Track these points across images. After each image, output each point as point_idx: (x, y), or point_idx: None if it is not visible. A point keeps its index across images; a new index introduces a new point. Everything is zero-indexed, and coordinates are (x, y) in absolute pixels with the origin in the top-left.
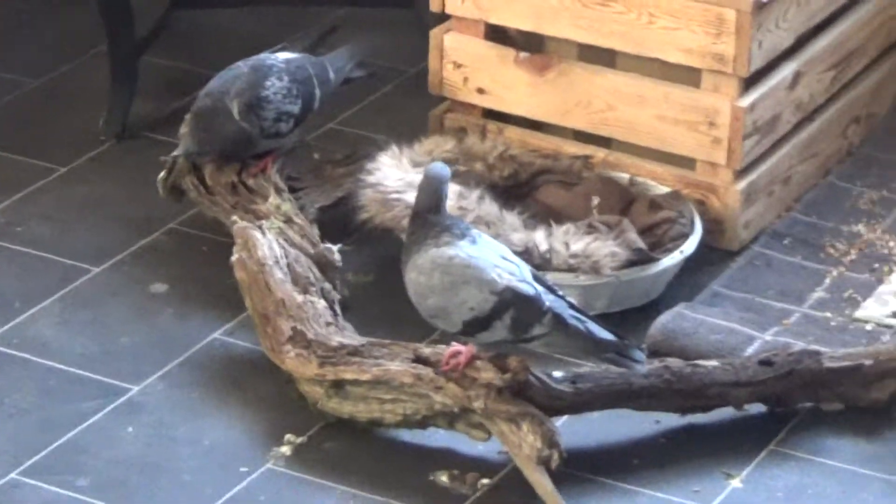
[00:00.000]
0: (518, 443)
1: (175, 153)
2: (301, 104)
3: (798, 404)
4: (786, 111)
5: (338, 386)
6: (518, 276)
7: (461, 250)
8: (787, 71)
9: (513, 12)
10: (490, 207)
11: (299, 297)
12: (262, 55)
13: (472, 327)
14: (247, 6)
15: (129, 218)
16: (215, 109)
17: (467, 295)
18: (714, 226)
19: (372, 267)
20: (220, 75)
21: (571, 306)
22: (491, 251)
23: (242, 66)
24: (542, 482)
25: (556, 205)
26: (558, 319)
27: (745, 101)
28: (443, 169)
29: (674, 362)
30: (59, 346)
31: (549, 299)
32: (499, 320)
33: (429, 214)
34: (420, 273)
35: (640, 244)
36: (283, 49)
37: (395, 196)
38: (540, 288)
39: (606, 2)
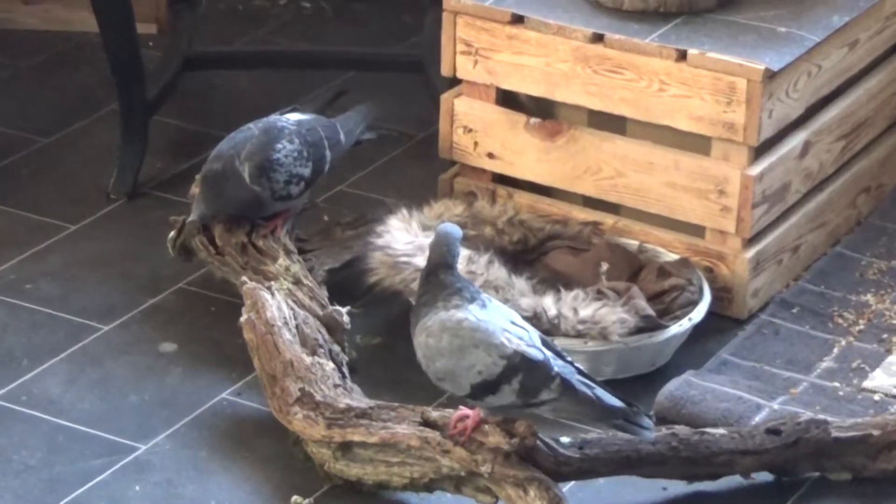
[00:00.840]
0: None
1: (189, 218)
2: (312, 167)
3: (805, 474)
4: (795, 180)
5: (345, 448)
6: (527, 341)
7: (471, 314)
8: (796, 140)
9: (524, 78)
10: (499, 272)
11: (308, 359)
12: (273, 117)
13: (481, 391)
14: (258, 68)
15: (139, 277)
16: (226, 173)
17: (476, 358)
18: (722, 294)
19: (380, 330)
20: (230, 137)
21: (580, 372)
22: (500, 316)
23: (253, 127)
24: None
25: (565, 271)
26: (567, 385)
27: (755, 170)
28: (454, 228)
29: (681, 430)
30: (67, 403)
31: (557, 364)
32: (507, 384)
33: (440, 275)
34: (429, 335)
35: (649, 311)
36: (293, 111)
37: (404, 259)
38: (549, 353)
39: (617, 69)
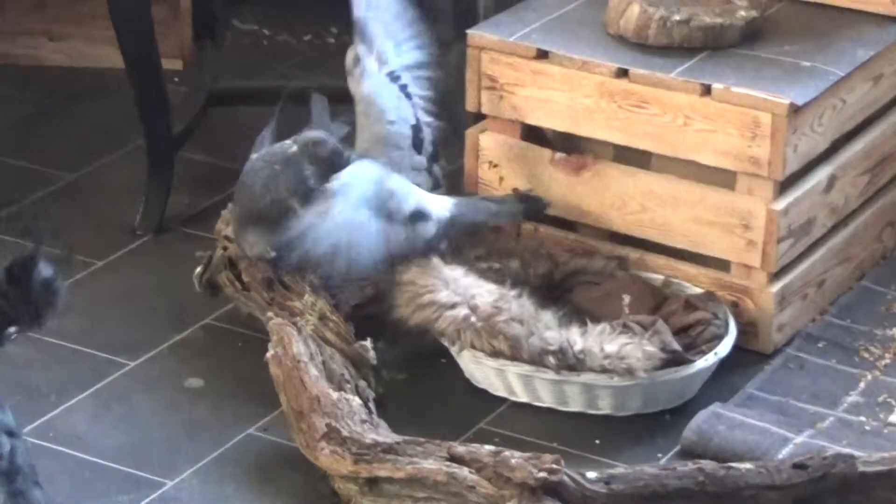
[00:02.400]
0: None
1: (253, 253)
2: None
3: None
4: (820, 215)
5: (372, 483)
6: None
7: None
8: (821, 175)
9: (549, 113)
10: (525, 305)
11: (334, 394)
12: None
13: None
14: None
15: (165, 312)
16: (281, 211)
17: None
18: (748, 328)
19: (406, 365)
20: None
21: None
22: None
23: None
24: None
25: (589, 306)
26: None
27: (780, 205)
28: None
29: (707, 464)
30: (93, 439)
31: None
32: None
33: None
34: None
35: (675, 346)
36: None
37: (428, 296)
38: None
39: (642, 104)
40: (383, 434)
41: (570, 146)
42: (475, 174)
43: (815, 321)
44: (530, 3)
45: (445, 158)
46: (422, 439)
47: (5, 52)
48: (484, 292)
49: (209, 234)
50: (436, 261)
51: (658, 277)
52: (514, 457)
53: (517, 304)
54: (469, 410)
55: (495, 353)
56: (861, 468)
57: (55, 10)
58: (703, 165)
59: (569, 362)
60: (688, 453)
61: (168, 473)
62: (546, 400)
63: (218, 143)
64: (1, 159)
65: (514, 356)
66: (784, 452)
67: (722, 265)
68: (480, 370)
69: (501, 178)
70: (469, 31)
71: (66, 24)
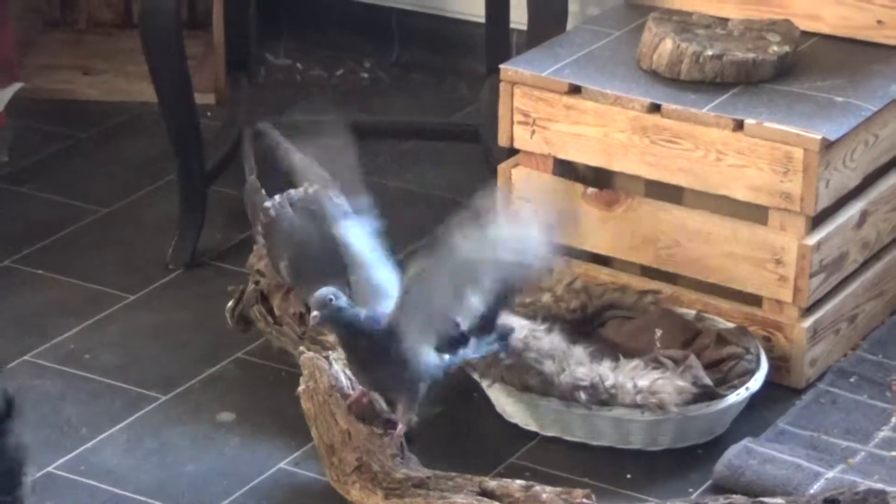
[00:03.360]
0: None
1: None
2: None
3: None
4: (852, 250)
5: None
6: None
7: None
8: (854, 210)
9: (581, 148)
10: (557, 340)
11: (365, 429)
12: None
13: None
14: (315, 138)
15: (197, 346)
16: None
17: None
18: (780, 363)
19: (438, 399)
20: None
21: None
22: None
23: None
24: None
25: (620, 339)
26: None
27: (812, 240)
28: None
29: (738, 499)
30: (125, 473)
31: None
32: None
33: (356, 326)
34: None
35: (707, 380)
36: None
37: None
38: None
39: (674, 139)
40: (414, 468)
41: (602, 181)
42: None
43: (847, 356)
44: (563, 39)
45: None
46: (453, 474)
47: (41, 86)
48: (516, 328)
49: (241, 268)
50: None
51: (690, 312)
52: (546, 491)
53: (548, 340)
54: (500, 445)
55: (526, 389)
56: (893, 503)
57: (90, 45)
58: (736, 200)
59: (600, 397)
60: (719, 488)
61: None
62: (577, 434)
63: None
64: (35, 193)
65: (545, 391)
66: (815, 487)
67: (754, 300)
68: (511, 404)
69: None
70: (502, 66)
71: (100, 59)
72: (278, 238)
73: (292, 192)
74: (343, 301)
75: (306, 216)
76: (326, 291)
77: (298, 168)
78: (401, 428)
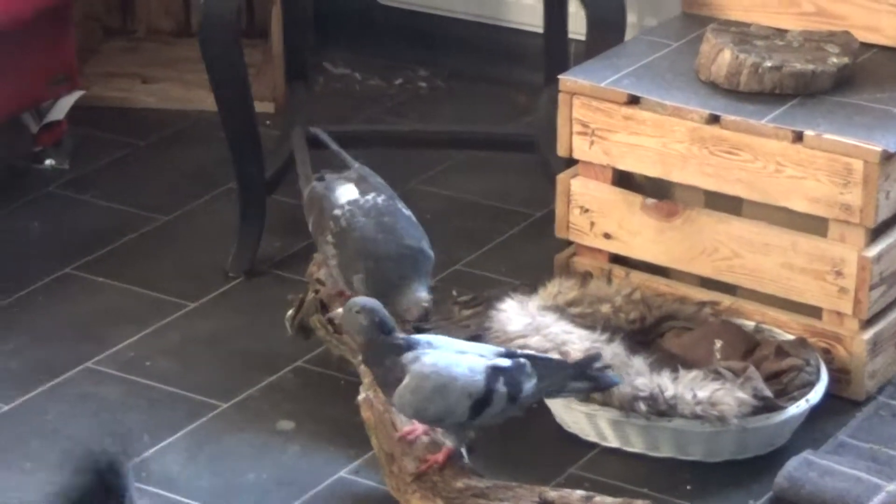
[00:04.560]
0: None
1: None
2: None
3: None
4: None
5: None
6: (486, 354)
7: (432, 356)
8: None
9: (640, 159)
10: (618, 350)
11: (425, 438)
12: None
13: (477, 409)
14: (373, 147)
15: (256, 355)
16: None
17: (460, 387)
18: (840, 375)
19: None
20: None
21: (528, 357)
22: (452, 346)
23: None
24: None
25: (679, 350)
26: (534, 360)
27: (872, 252)
28: (371, 300)
29: None
30: (185, 480)
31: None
32: (495, 392)
33: (386, 342)
34: (413, 393)
35: (767, 392)
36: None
37: (519, 340)
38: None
39: (733, 150)
40: (474, 478)
41: (661, 192)
42: (566, 219)
43: None
44: (621, 49)
45: None
46: (512, 484)
47: (99, 94)
48: (575, 338)
49: (301, 276)
50: (529, 306)
51: (749, 323)
52: (605, 502)
53: (608, 351)
54: (559, 455)
55: (586, 399)
56: None
57: (148, 53)
58: (795, 212)
59: (660, 408)
60: (779, 500)
61: None
62: (637, 445)
63: None
64: (94, 201)
65: (605, 402)
66: (875, 500)
67: (814, 312)
68: (571, 415)
69: (592, 224)
70: (561, 76)
71: (158, 66)
72: (352, 249)
73: (360, 199)
74: (384, 317)
75: (379, 227)
76: (374, 304)
77: (357, 176)
78: (441, 453)
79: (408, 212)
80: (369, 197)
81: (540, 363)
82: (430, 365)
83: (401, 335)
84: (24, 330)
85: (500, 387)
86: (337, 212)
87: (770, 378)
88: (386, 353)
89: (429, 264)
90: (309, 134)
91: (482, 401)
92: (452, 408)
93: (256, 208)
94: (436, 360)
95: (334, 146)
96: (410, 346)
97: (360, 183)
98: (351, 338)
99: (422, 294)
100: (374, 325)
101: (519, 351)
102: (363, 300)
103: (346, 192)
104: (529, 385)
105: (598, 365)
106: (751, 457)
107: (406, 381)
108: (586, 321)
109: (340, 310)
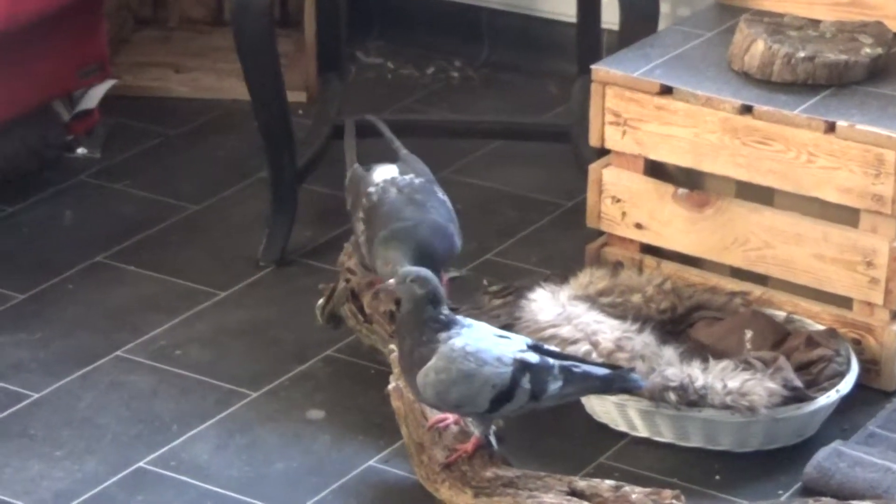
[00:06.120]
0: None
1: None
2: None
3: None
4: None
5: None
6: (519, 346)
7: (466, 338)
8: None
9: (672, 149)
10: (648, 340)
11: (455, 427)
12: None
13: (498, 403)
14: (406, 137)
15: (287, 344)
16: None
17: (486, 376)
18: (870, 365)
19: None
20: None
21: (564, 356)
22: (487, 332)
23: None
24: None
25: (710, 340)
26: (564, 368)
27: None
28: (422, 269)
29: (828, 502)
30: (215, 469)
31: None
32: (519, 387)
33: (424, 313)
34: (438, 372)
35: (797, 383)
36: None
37: (550, 330)
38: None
39: (766, 140)
40: (503, 468)
41: (692, 182)
42: (598, 209)
43: None
44: (654, 39)
45: None
46: (542, 473)
47: (132, 83)
48: (606, 328)
49: (332, 266)
50: (560, 296)
51: (780, 314)
52: (635, 492)
53: (639, 340)
54: (589, 445)
55: None
56: None
57: (181, 42)
58: (827, 202)
59: (690, 398)
60: (809, 490)
61: None
62: (666, 435)
63: (341, 177)
64: (126, 190)
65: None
66: None
67: (844, 302)
68: (601, 405)
69: (624, 214)
70: (594, 66)
71: (191, 56)
72: (378, 223)
73: (398, 177)
74: (437, 289)
75: (410, 203)
76: (428, 274)
77: (404, 161)
78: (470, 443)
79: (444, 196)
80: (407, 177)
81: (569, 371)
82: (460, 349)
83: (445, 311)
84: (55, 318)
85: (525, 383)
86: (371, 189)
87: (800, 368)
88: (425, 328)
89: (447, 243)
90: (362, 122)
91: (505, 394)
92: (474, 396)
93: (288, 198)
94: (466, 344)
95: (388, 133)
96: (449, 325)
97: (402, 166)
98: (392, 305)
99: (406, 266)
100: (426, 296)
101: (551, 349)
102: (417, 269)
103: (384, 172)
104: (554, 387)
105: (622, 373)
106: (780, 447)
107: (433, 361)
108: (617, 311)
109: (392, 280)
